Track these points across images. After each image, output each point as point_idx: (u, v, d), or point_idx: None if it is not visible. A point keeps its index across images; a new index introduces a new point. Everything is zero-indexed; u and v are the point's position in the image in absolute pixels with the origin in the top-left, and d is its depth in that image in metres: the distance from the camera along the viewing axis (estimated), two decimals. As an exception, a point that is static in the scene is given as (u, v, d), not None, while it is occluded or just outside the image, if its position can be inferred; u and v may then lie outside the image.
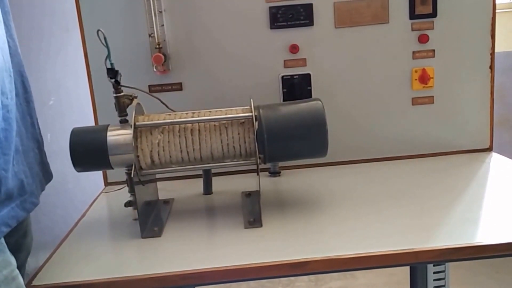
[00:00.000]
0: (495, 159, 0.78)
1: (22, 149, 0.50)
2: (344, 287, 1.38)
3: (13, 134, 0.46)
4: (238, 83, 0.79)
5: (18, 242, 0.53)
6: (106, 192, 0.78)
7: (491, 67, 0.79)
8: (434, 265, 0.85)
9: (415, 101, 0.81)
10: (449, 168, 0.76)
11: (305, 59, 0.78)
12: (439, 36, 0.78)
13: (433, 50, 0.79)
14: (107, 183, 0.81)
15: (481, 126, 0.81)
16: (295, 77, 0.79)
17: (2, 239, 0.44)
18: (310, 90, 0.79)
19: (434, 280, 0.86)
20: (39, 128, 0.58)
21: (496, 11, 0.78)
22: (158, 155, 0.60)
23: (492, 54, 0.79)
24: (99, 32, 0.59)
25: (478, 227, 0.56)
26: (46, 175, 0.58)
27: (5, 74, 0.45)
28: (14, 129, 0.46)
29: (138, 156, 0.59)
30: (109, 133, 0.60)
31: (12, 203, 0.46)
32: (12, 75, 0.47)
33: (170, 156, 0.60)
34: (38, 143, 0.57)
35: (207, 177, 0.72)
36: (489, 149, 0.82)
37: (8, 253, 0.44)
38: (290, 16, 0.77)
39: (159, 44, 0.76)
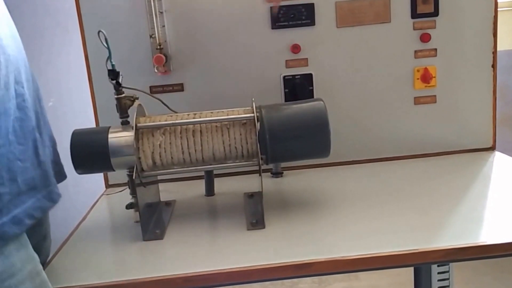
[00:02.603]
0: (498, 158, 0.78)
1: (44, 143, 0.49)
2: (347, 289, 1.37)
3: (30, 124, 0.44)
4: (240, 83, 0.78)
5: (38, 245, 0.51)
6: (107, 194, 0.78)
7: (494, 66, 0.79)
8: (438, 266, 0.85)
9: (418, 101, 0.80)
10: (452, 168, 0.75)
11: (306, 59, 0.78)
12: (441, 35, 0.78)
13: (435, 49, 0.78)
14: (108, 185, 0.81)
15: (484, 125, 0.81)
16: (296, 77, 0.78)
17: (25, 235, 0.42)
18: (312, 90, 0.79)
19: (439, 280, 0.86)
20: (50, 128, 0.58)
21: (498, 9, 0.78)
22: (160, 156, 0.60)
23: (495, 52, 0.79)
24: (100, 33, 0.58)
25: (482, 226, 0.55)
26: (57, 175, 0.57)
27: (20, 63, 0.44)
28: (32, 119, 0.44)
29: (139, 158, 0.59)
30: (110, 135, 0.60)
31: (37, 194, 0.44)
32: (27, 65, 0.46)
33: (172, 158, 0.60)
34: (53, 142, 0.56)
35: (209, 178, 0.72)
36: (492, 148, 0.81)
37: (31, 249, 0.43)
38: (292, 16, 0.76)
39: (160, 45, 0.76)
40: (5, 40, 0.41)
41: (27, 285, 0.41)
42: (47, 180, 0.46)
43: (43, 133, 0.49)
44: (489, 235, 0.53)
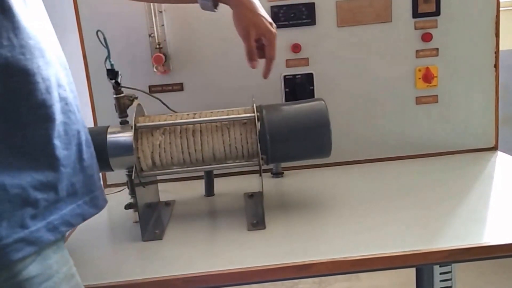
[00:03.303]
0: (501, 158, 0.78)
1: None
2: (348, 289, 1.36)
3: (75, 128, 0.43)
4: (240, 83, 0.78)
5: None
6: (105, 194, 0.77)
7: (496, 66, 0.79)
8: (440, 266, 0.84)
9: (419, 100, 0.80)
10: (454, 168, 0.75)
11: (307, 58, 0.78)
12: (442, 35, 0.77)
13: (437, 49, 0.78)
14: (106, 185, 0.80)
15: (486, 125, 0.80)
16: (297, 76, 0.78)
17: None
18: (313, 90, 0.78)
19: (441, 281, 0.85)
20: None
21: (500, 9, 0.77)
22: (159, 156, 0.59)
23: (497, 52, 0.78)
24: (99, 32, 0.58)
25: (485, 227, 0.55)
26: None
27: (59, 67, 0.43)
28: (77, 122, 0.44)
29: (138, 158, 0.59)
30: (109, 135, 0.59)
31: (78, 200, 0.43)
32: (68, 68, 0.45)
33: (172, 158, 0.59)
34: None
35: (209, 178, 0.71)
36: (494, 148, 0.81)
37: (66, 251, 0.43)
38: (292, 15, 0.76)
39: (159, 44, 0.75)
40: (44, 43, 0.41)
41: None
42: (91, 186, 0.45)
43: (88, 135, 0.47)
44: (492, 236, 0.52)
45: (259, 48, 0.63)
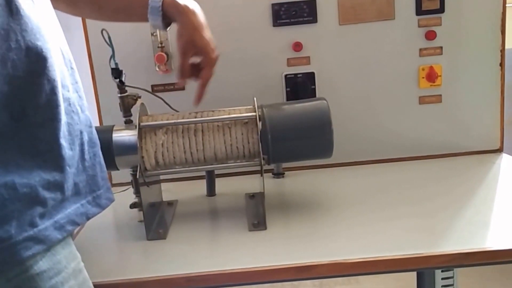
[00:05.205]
0: (506, 160, 0.76)
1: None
2: (348, 292, 1.35)
3: (78, 128, 0.44)
4: (241, 82, 0.77)
5: None
6: (110, 193, 0.78)
7: (501, 65, 0.77)
8: (442, 271, 0.82)
9: (422, 100, 0.79)
10: (458, 170, 0.74)
11: (309, 57, 0.77)
12: (447, 33, 0.76)
13: (441, 47, 0.77)
14: (112, 185, 0.80)
15: (491, 126, 0.79)
16: (298, 75, 0.77)
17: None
18: (314, 89, 0.78)
19: (442, 286, 0.83)
20: None
21: (506, 5, 0.76)
22: (162, 156, 0.60)
23: (502, 51, 0.77)
24: (104, 31, 0.58)
25: (488, 231, 0.54)
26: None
27: (64, 67, 0.44)
28: (79, 123, 0.45)
29: (143, 157, 0.59)
30: (114, 134, 0.60)
31: (82, 200, 0.44)
32: (74, 68, 0.46)
33: (174, 157, 0.60)
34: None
35: (210, 178, 0.71)
36: (500, 150, 0.79)
37: (74, 247, 0.44)
38: (293, 13, 0.75)
39: (161, 43, 0.75)
40: (50, 43, 0.41)
41: (71, 283, 0.42)
42: (93, 186, 0.46)
43: (92, 135, 0.48)
44: (495, 240, 0.52)
45: (196, 68, 0.60)
